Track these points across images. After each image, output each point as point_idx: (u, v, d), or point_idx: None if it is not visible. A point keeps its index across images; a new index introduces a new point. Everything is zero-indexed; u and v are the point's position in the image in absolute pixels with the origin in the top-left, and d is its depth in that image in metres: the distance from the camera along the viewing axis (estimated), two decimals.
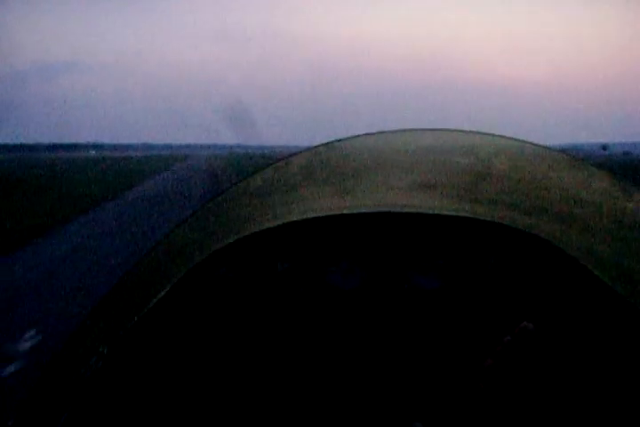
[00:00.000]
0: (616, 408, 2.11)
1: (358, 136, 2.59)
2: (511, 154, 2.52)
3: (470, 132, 2.54)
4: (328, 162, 2.56)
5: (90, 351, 2.05)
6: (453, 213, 2.07)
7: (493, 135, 2.50)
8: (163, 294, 2.09)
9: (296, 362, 2.30)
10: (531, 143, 2.47)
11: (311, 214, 2.14)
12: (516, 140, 2.44)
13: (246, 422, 2.27)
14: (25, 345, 9.07)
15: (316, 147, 2.60)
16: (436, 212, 2.08)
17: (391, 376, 2.31)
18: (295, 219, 2.13)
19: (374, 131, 2.54)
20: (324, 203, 2.23)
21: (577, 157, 2.42)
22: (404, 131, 2.59)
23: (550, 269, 2.23)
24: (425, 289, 2.36)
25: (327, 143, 2.58)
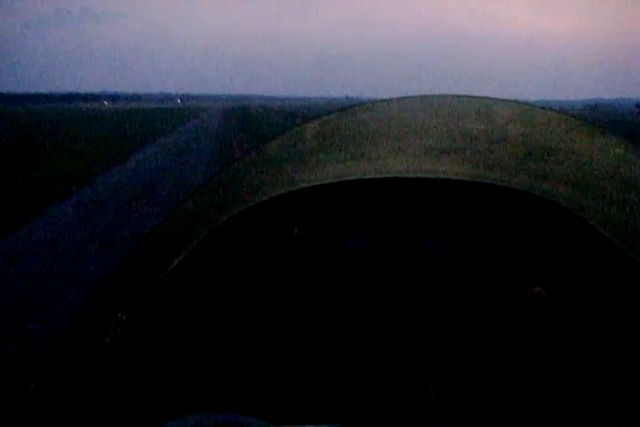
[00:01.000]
0: (622, 366, 2.17)
1: (372, 103, 2.60)
2: (526, 120, 2.52)
3: (485, 98, 2.54)
4: (342, 128, 2.58)
5: (108, 317, 2.11)
6: (468, 179, 2.08)
7: (508, 101, 2.50)
8: (179, 260, 2.13)
9: (312, 325, 2.37)
10: (546, 109, 2.47)
11: (326, 180, 2.17)
12: (531, 106, 2.45)
13: (262, 385, 2.34)
14: None
15: (329, 113, 2.61)
16: (451, 177, 2.08)
17: (405, 341, 2.37)
18: (310, 185, 2.16)
19: (387, 91, 2.53)
20: (338, 168, 2.25)
21: (593, 123, 2.42)
22: (419, 97, 2.59)
23: (565, 235, 2.26)
24: (439, 254, 2.41)
25: (341, 109, 2.59)
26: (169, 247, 2.28)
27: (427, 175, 2.12)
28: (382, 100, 2.67)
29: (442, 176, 2.08)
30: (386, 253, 2.40)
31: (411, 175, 2.13)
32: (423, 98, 2.71)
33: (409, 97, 2.70)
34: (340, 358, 2.35)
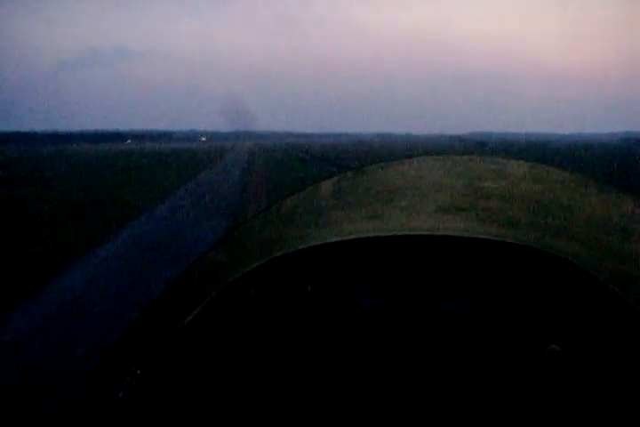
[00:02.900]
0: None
1: (388, 162, 2.72)
2: (539, 178, 2.61)
3: (498, 158, 2.65)
4: (357, 186, 2.70)
5: (123, 372, 2.19)
6: (482, 237, 2.17)
7: (520, 160, 2.60)
8: (193, 315, 2.22)
9: (324, 384, 2.43)
10: (557, 168, 2.57)
11: (341, 237, 2.26)
12: (542, 164, 2.55)
13: None
14: None
15: (345, 173, 2.74)
16: (464, 235, 2.17)
17: (418, 398, 2.43)
18: (325, 241, 2.25)
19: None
20: (353, 226, 2.34)
21: (602, 181, 2.50)
22: (434, 157, 2.71)
23: (578, 291, 2.33)
24: (453, 311, 2.48)
25: (356, 169, 2.71)
26: (184, 302, 2.37)
27: (440, 233, 2.20)
28: (398, 161, 2.79)
29: (455, 234, 2.17)
30: (400, 310, 2.47)
31: (424, 233, 2.22)
32: (437, 158, 2.82)
33: (425, 157, 2.82)
34: (353, 418, 2.41)
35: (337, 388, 2.42)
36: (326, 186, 2.72)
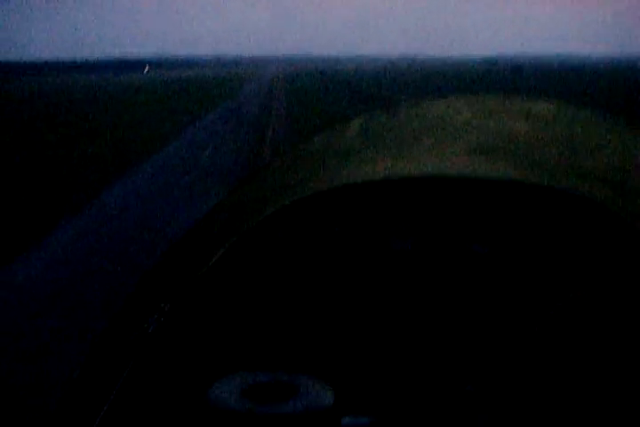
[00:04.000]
0: None
1: (415, 101, 2.72)
2: (567, 120, 2.61)
3: (527, 98, 2.65)
4: (386, 126, 2.71)
5: (152, 308, 2.26)
6: (511, 179, 2.18)
7: (549, 101, 2.60)
8: (220, 254, 2.27)
9: (352, 319, 2.49)
10: (586, 109, 2.56)
11: (368, 178, 2.28)
12: (570, 105, 2.54)
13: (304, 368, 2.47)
14: None
15: (372, 111, 2.75)
16: (493, 178, 2.19)
17: (443, 337, 2.48)
18: (353, 182, 2.28)
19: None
20: (380, 167, 2.36)
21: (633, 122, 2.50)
22: (461, 97, 2.70)
23: (606, 235, 2.35)
24: (481, 252, 2.52)
25: (383, 108, 2.72)
26: (214, 239, 2.42)
27: (469, 175, 2.24)
28: (427, 100, 2.80)
29: (484, 177, 2.20)
30: (427, 251, 2.50)
31: (451, 174, 2.25)
32: (468, 98, 2.82)
33: (454, 97, 2.82)
34: (379, 354, 2.47)
35: (364, 324, 2.47)
36: (354, 125, 2.73)
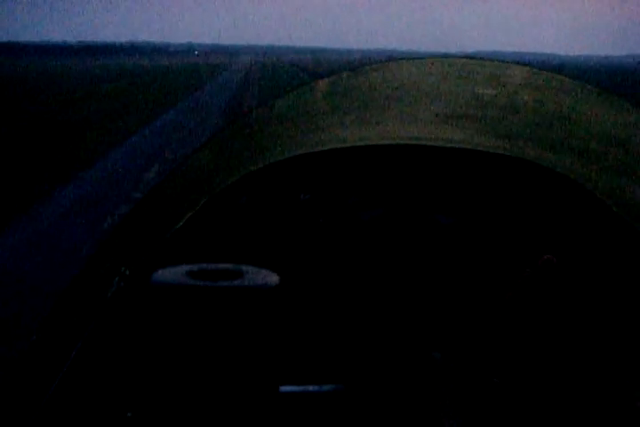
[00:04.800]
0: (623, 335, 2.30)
1: (383, 63, 2.69)
2: (538, 86, 2.60)
3: (496, 61, 2.63)
4: (352, 89, 2.68)
5: (111, 272, 2.23)
6: (479, 149, 2.16)
7: (520, 65, 2.58)
8: (184, 219, 2.24)
9: (317, 288, 2.49)
10: (558, 75, 2.55)
11: (334, 145, 2.24)
12: (542, 71, 2.53)
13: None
14: None
15: (340, 73, 2.71)
16: (460, 146, 2.16)
17: (411, 305, 2.50)
18: (319, 149, 2.24)
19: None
20: (347, 132, 2.33)
21: (606, 90, 2.50)
22: (430, 59, 2.68)
23: (571, 204, 2.37)
24: (447, 223, 2.53)
25: (352, 70, 2.68)
26: (176, 204, 2.38)
27: (436, 143, 2.19)
28: (393, 61, 2.76)
29: (451, 145, 2.16)
30: (393, 220, 2.51)
31: (420, 142, 2.20)
32: (434, 60, 2.80)
33: (420, 58, 2.79)
34: (344, 320, 2.47)
35: (330, 291, 2.48)
36: (320, 87, 2.70)
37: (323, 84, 2.73)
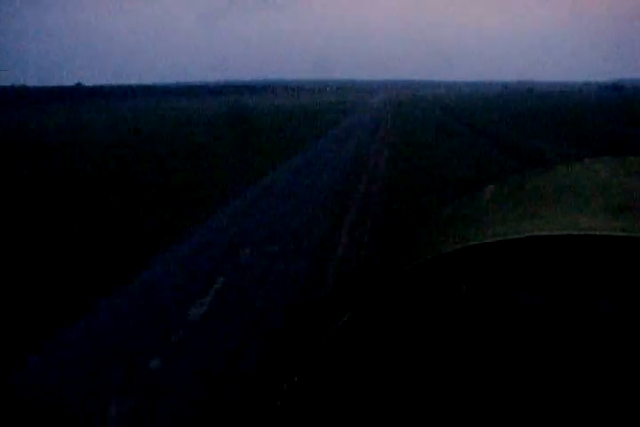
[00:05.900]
0: None
1: (555, 165, 2.89)
2: None
3: None
4: (518, 190, 2.79)
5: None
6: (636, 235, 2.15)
7: None
8: (353, 311, 2.40)
9: (476, 377, 2.46)
10: None
11: (496, 238, 2.33)
12: None
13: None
14: None
15: (505, 178, 2.92)
16: (628, 235, 2.17)
17: (565, 402, 2.38)
18: (479, 242, 2.33)
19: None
20: (511, 227, 2.39)
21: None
22: (601, 158, 2.88)
23: None
24: (612, 312, 2.40)
25: (519, 174, 2.90)
26: (351, 296, 2.51)
27: (602, 232, 2.22)
28: (561, 164, 2.94)
29: (617, 233, 2.18)
30: (557, 309, 2.44)
31: (585, 232, 2.24)
32: (601, 159, 2.95)
33: (587, 159, 2.95)
34: (512, 416, 2.41)
35: (493, 383, 2.45)
36: (489, 189, 2.85)
37: (491, 187, 2.87)
